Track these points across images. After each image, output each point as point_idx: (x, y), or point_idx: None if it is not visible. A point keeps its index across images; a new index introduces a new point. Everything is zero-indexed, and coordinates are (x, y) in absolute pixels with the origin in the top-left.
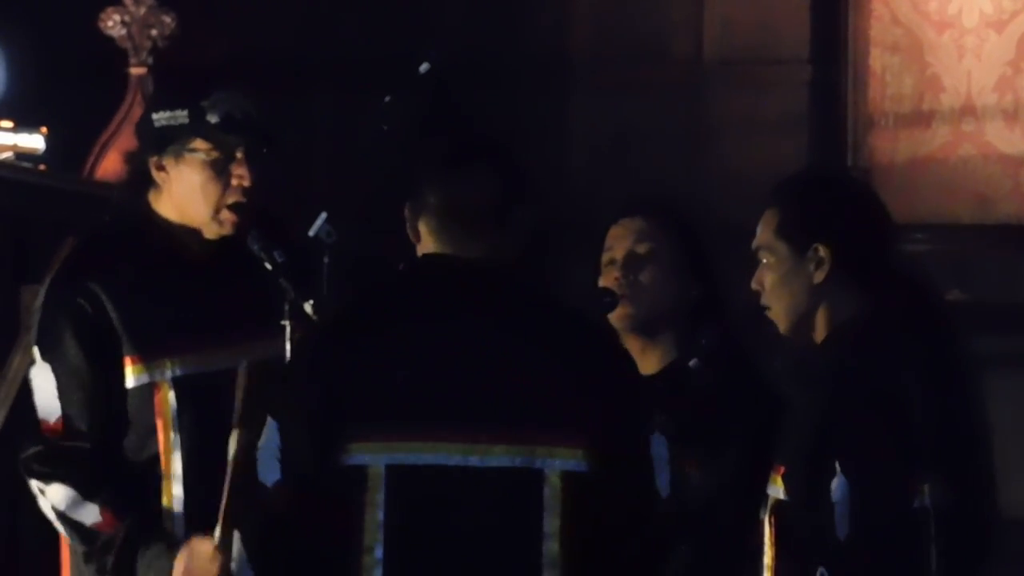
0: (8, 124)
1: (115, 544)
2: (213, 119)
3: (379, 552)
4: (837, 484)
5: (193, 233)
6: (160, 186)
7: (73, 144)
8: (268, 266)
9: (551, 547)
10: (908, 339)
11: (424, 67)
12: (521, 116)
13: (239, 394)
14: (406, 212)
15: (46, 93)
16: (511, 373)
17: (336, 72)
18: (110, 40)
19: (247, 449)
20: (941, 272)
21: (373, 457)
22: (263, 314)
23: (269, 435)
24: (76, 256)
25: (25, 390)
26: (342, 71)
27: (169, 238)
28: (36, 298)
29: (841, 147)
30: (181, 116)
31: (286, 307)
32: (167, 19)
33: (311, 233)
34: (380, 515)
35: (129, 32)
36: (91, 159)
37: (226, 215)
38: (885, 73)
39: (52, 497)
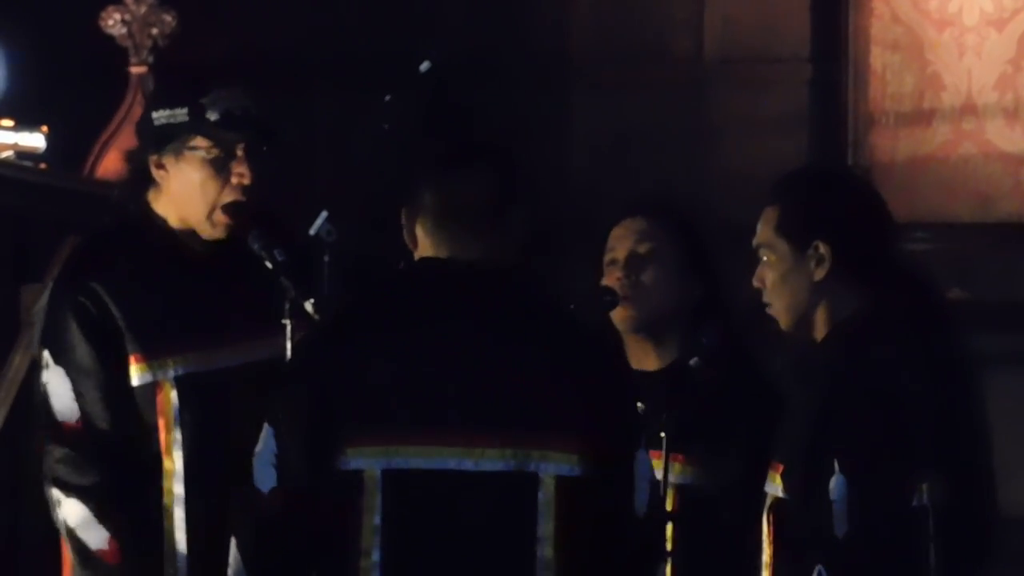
0: (9, 123)
1: None
2: (213, 116)
3: (376, 556)
4: (835, 482)
5: (193, 232)
6: (159, 185)
7: (74, 143)
8: (269, 265)
9: (545, 551)
10: (908, 337)
11: (425, 66)
12: (522, 115)
13: None
14: (403, 217)
15: (47, 92)
16: (506, 377)
17: (337, 71)
18: (111, 39)
19: None
20: (941, 271)
21: (369, 461)
22: (264, 313)
23: (265, 441)
24: (77, 257)
25: (27, 390)
26: (343, 70)
27: (169, 237)
28: (37, 297)
29: (842, 146)
30: (181, 114)
31: (287, 306)
32: (168, 18)
33: (312, 232)
34: (377, 519)
35: (130, 31)
36: (92, 158)
37: (220, 217)
38: (886, 71)
39: (66, 511)
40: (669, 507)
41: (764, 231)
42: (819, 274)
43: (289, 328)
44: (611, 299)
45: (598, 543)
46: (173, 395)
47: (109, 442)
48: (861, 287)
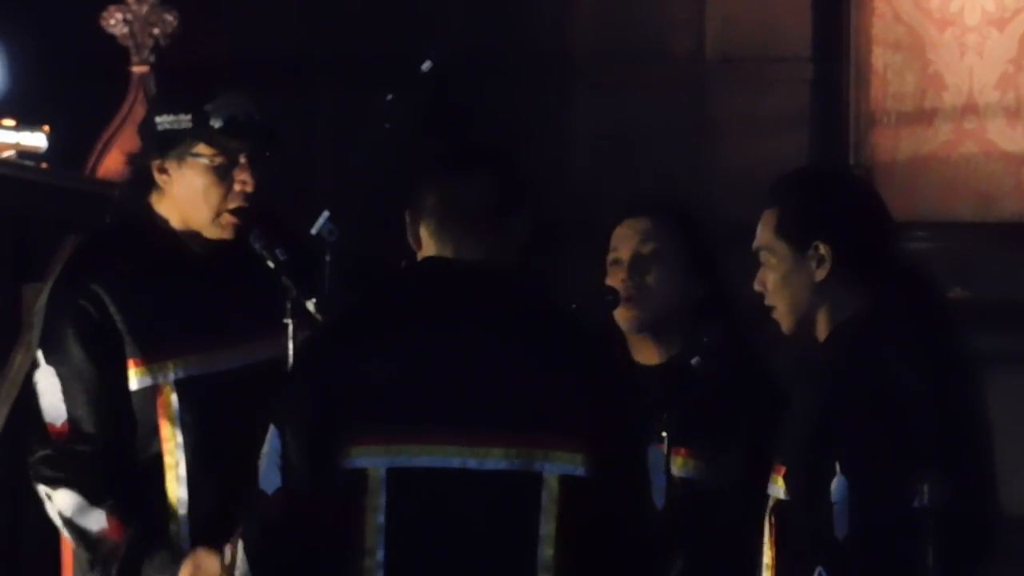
0: (10, 122)
1: (120, 553)
2: (216, 124)
3: (380, 555)
4: (837, 484)
5: (194, 234)
6: (162, 188)
7: (75, 142)
8: (270, 264)
9: (545, 551)
10: (909, 337)
11: (426, 66)
12: (522, 114)
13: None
14: (406, 218)
15: (48, 91)
16: (510, 376)
17: (338, 71)
18: (112, 38)
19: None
20: (943, 270)
21: (373, 460)
22: (265, 314)
23: (270, 442)
24: (78, 258)
25: (27, 390)
26: (344, 70)
27: (170, 239)
28: (38, 297)
29: (843, 145)
30: (184, 120)
31: (288, 305)
32: (169, 17)
33: (313, 231)
34: (381, 518)
35: (131, 30)
36: (93, 157)
37: (227, 218)
38: (887, 71)
39: (59, 503)
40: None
41: (764, 233)
42: (820, 275)
43: (291, 328)
44: (613, 299)
45: (600, 544)
46: (174, 398)
47: (94, 445)
48: (862, 287)
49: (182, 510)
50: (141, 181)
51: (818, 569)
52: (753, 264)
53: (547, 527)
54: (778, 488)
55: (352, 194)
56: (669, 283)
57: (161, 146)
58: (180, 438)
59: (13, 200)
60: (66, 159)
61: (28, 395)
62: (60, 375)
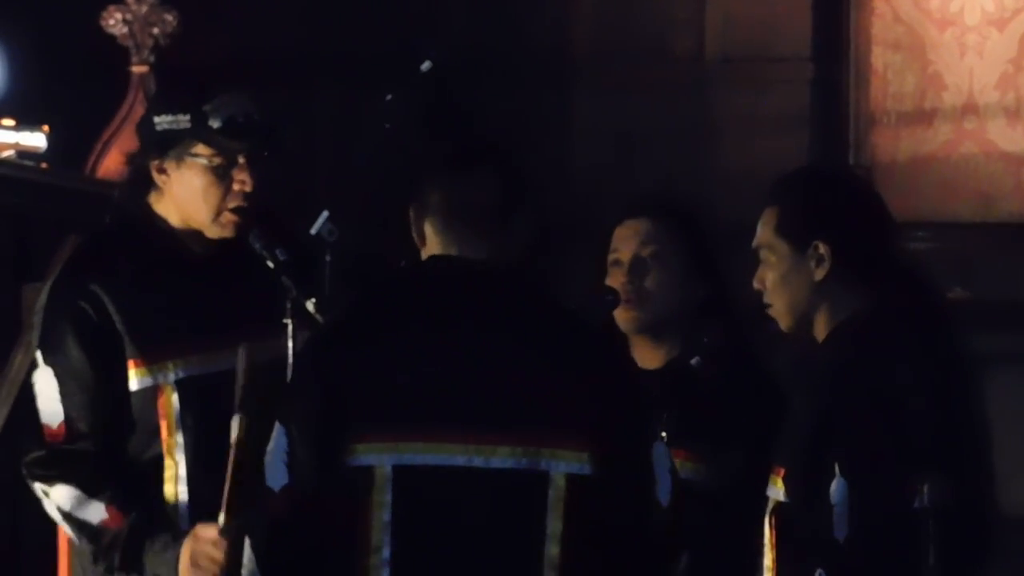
0: (10, 122)
1: (121, 540)
2: (215, 124)
3: (386, 552)
4: (836, 485)
5: (194, 234)
6: (161, 188)
7: (75, 142)
8: (270, 264)
9: (552, 549)
10: (909, 338)
11: (426, 65)
12: (523, 114)
13: (240, 377)
14: (410, 216)
15: (48, 91)
16: (516, 375)
17: (338, 70)
18: (112, 38)
19: (248, 431)
20: (943, 270)
21: (380, 457)
22: (265, 313)
23: (277, 440)
24: (77, 258)
25: (27, 389)
26: (344, 69)
27: (170, 239)
28: (38, 297)
29: (843, 145)
30: (183, 120)
31: (288, 305)
32: (169, 17)
33: (313, 231)
34: (387, 516)
35: (131, 30)
36: (92, 157)
37: (227, 217)
38: (887, 71)
39: (56, 498)
40: None
41: (764, 232)
42: (819, 274)
43: (290, 328)
44: (613, 299)
45: (606, 542)
46: (174, 398)
47: (91, 446)
48: (861, 287)
49: (182, 510)
50: (140, 181)
51: (818, 571)
52: (753, 264)
53: (553, 526)
54: (778, 490)
55: (352, 194)
56: (669, 285)
57: (160, 146)
58: (180, 438)
59: (13, 200)
60: (66, 159)
61: (29, 396)
62: (58, 376)
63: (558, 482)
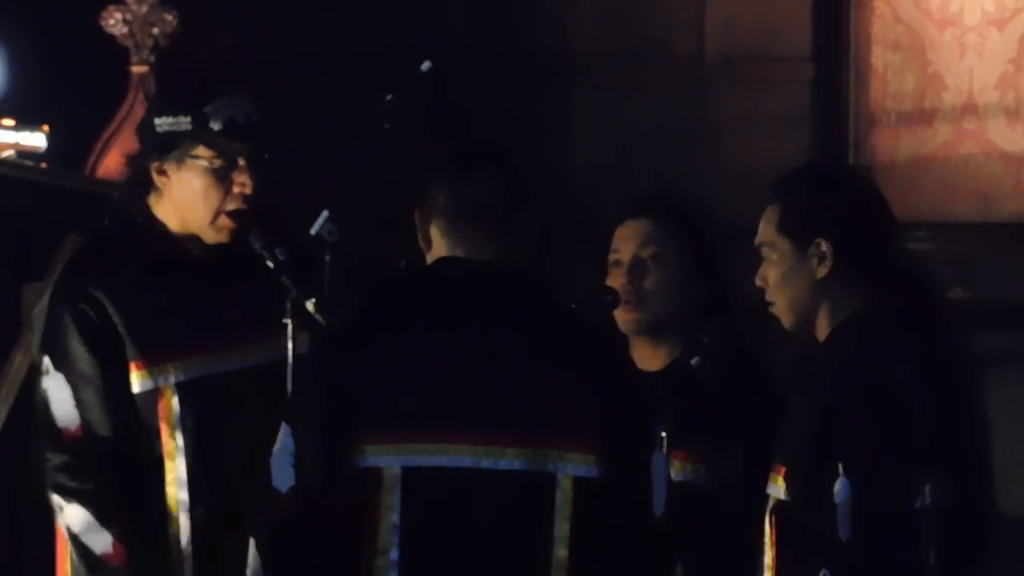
0: (10, 122)
1: None
2: (216, 126)
3: (394, 554)
4: (840, 485)
5: (193, 235)
6: (160, 189)
7: (75, 142)
8: (270, 264)
9: (559, 551)
10: (910, 338)
11: (426, 65)
12: (523, 114)
13: None
14: (416, 218)
15: (48, 91)
16: (523, 376)
17: (338, 70)
18: (112, 38)
19: None
20: (943, 270)
21: (388, 459)
22: (265, 315)
23: (283, 441)
24: (77, 261)
25: (27, 390)
26: (343, 70)
27: (170, 241)
28: (38, 297)
29: (843, 145)
30: (184, 122)
31: (288, 305)
32: (169, 17)
33: (313, 231)
34: (395, 517)
35: (131, 30)
36: (92, 157)
37: (224, 222)
38: (887, 71)
39: (69, 517)
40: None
41: (766, 230)
42: (821, 272)
43: (290, 328)
44: (613, 299)
45: (612, 544)
46: (175, 401)
47: (109, 449)
48: (863, 285)
49: (182, 512)
50: (140, 182)
51: (822, 571)
52: (753, 264)
53: (561, 528)
54: (778, 488)
55: (352, 194)
56: (669, 286)
57: (160, 148)
58: (181, 441)
59: (13, 200)
60: (66, 159)
61: (28, 397)
62: (71, 381)
63: (565, 484)
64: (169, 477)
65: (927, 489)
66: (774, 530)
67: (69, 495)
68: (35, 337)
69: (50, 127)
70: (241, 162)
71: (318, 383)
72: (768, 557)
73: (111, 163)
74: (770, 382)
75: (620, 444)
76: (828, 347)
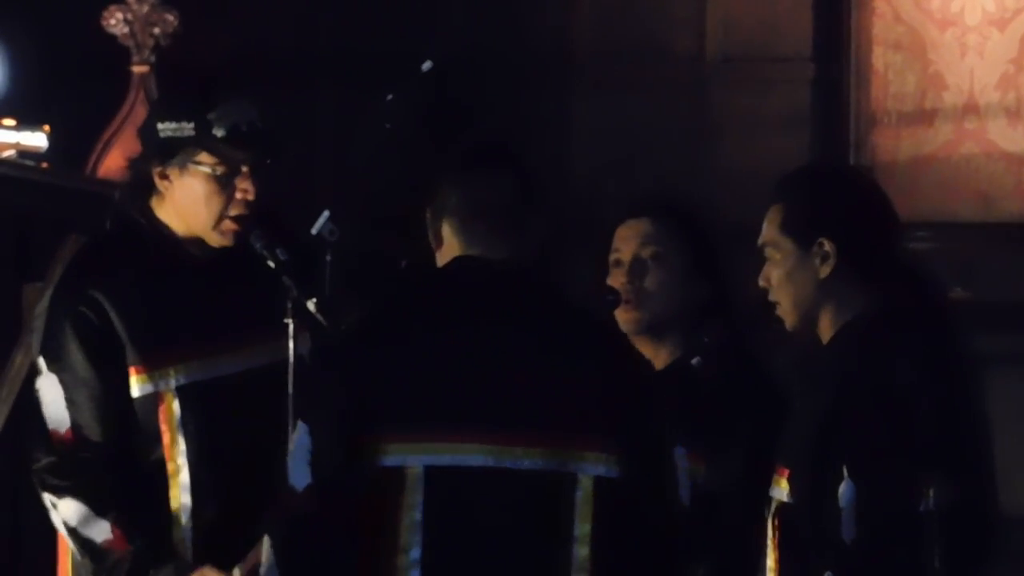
0: (11, 122)
1: (124, 566)
2: (219, 132)
3: (416, 553)
4: (845, 488)
5: (194, 239)
6: (162, 193)
7: (75, 142)
8: (271, 264)
9: (580, 551)
10: (914, 339)
11: (427, 65)
12: (523, 114)
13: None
14: (427, 216)
15: (48, 91)
16: (543, 376)
17: (338, 70)
18: (112, 38)
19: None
20: (943, 270)
21: (410, 458)
22: (266, 317)
23: (300, 439)
24: (78, 263)
25: (27, 390)
26: (345, 69)
27: (171, 244)
28: (38, 296)
29: (843, 145)
30: (187, 128)
31: (288, 305)
32: (170, 17)
33: (314, 231)
34: (417, 516)
35: (132, 30)
36: (93, 157)
37: (227, 226)
38: (888, 71)
39: (64, 512)
40: None
41: (769, 229)
42: (824, 271)
43: (291, 328)
44: (613, 299)
45: (633, 543)
46: (176, 404)
47: (99, 453)
48: (866, 285)
49: (185, 516)
50: (141, 185)
51: (826, 573)
52: (754, 264)
53: (581, 527)
54: (781, 490)
55: (352, 194)
56: (669, 286)
57: (163, 153)
58: (182, 444)
59: (13, 200)
60: (66, 159)
61: (29, 397)
62: (63, 382)
63: (586, 484)
64: (171, 481)
65: (931, 491)
66: (777, 532)
67: (60, 491)
68: (35, 338)
69: (51, 127)
70: (244, 169)
71: (336, 381)
72: (771, 559)
73: (112, 163)
74: (771, 382)
75: (639, 443)
76: (832, 349)
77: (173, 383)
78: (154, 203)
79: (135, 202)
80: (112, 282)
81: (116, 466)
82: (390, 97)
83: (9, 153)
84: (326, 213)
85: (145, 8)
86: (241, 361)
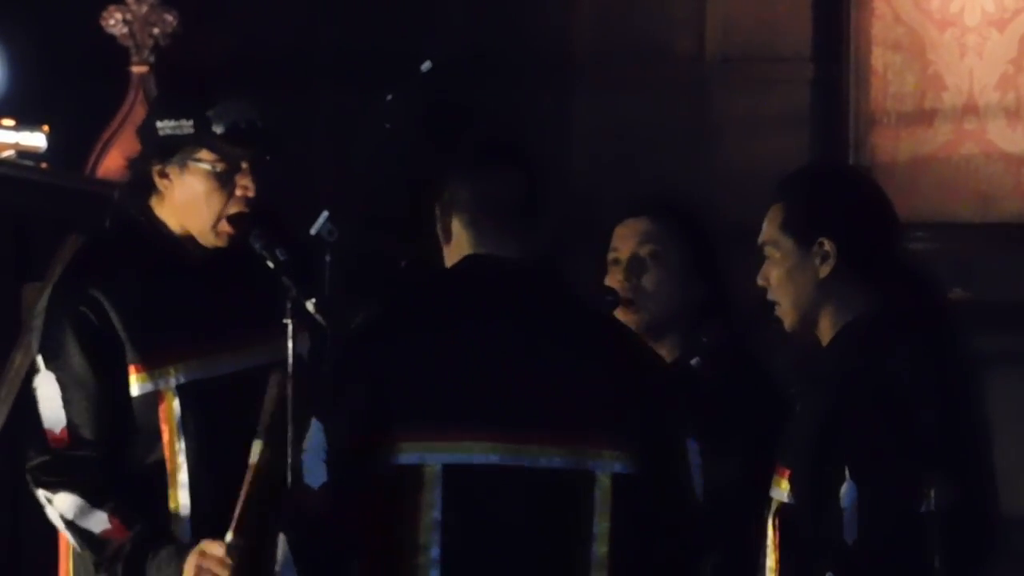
0: (10, 122)
1: (124, 552)
2: (219, 129)
3: (435, 552)
4: (846, 489)
5: (193, 238)
6: (162, 192)
7: (75, 142)
8: (270, 264)
9: (599, 548)
10: (914, 339)
11: (426, 65)
12: (523, 114)
13: (267, 405)
14: (436, 211)
15: (48, 91)
16: (559, 374)
17: (338, 70)
18: (112, 38)
19: (270, 458)
20: (943, 271)
21: (427, 456)
22: (265, 316)
23: (315, 437)
24: (78, 263)
25: (27, 389)
26: (344, 69)
27: (170, 243)
28: (38, 297)
29: (843, 145)
30: (187, 126)
31: (288, 305)
32: (169, 17)
33: (313, 231)
34: (436, 514)
35: (131, 30)
36: (93, 157)
37: (224, 227)
38: (887, 71)
39: (60, 506)
40: None
41: (769, 228)
42: (824, 271)
43: (290, 328)
44: (613, 299)
45: (650, 539)
46: (176, 404)
47: (94, 452)
48: (866, 285)
49: (184, 515)
50: (141, 184)
51: (827, 574)
52: (753, 264)
53: (600, 525)
54: (782, 491)
55: (352, 194)
56: (667, 285)
57: (162, 151)
58: (182, 443)
59: (13, 200)
60: (66, 159)
61: (28, 398)
62: (60, 381)
63: (604, 482)
64: (171, 480)
65: (932, 491)
66: (778, 533)
67: (54, 486)
68: (34, 336)
69: (50, 127)
70: (244, 166)
71: (351, 379)
72: (771, 560)
73: (111, 163)
74: (770, 382)
75: (654, 439)
76: (832, 349)
77: (173, 382)
78: (154, 202)
79: (135, 201)
80: (112, 281)
81: (112, 465)
82: (390, 97)
83: (8, 153)
84: (325, 213)
85: (144, 8)
86: (241, 360)
